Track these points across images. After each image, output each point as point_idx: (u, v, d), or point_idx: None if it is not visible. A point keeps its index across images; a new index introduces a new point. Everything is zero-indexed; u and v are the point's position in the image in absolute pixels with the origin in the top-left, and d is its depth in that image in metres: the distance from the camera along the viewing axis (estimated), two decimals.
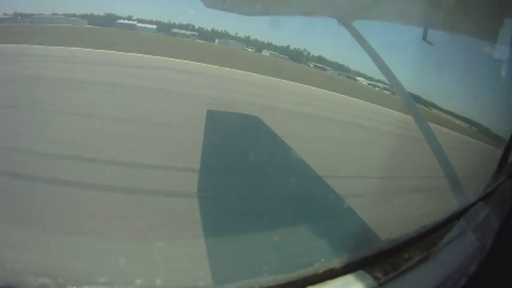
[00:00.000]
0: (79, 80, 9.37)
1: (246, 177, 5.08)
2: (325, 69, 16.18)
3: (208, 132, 6.36)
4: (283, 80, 15.09)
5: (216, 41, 16.39)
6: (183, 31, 15.69)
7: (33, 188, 4.04)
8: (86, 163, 4.88)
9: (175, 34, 15.66)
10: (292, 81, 15.12)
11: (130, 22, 14.45)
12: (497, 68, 3.32)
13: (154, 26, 15.42)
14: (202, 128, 6.65)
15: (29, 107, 6.73)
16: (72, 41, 12.55)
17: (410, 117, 3.87)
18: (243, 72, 15.09)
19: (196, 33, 15.76)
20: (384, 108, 13.74)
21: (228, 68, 14.91)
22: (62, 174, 4.44)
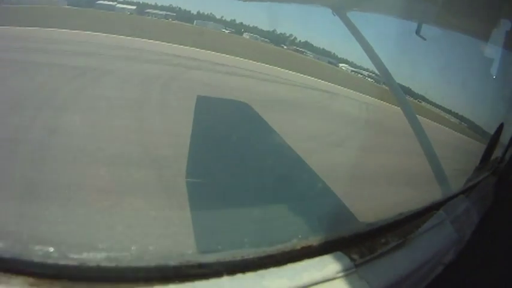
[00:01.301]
0: (61, 63, 8.99)
1: (229, 157, 5.11)
2: (303, 53, 15.71)
3: (195, 116, 6.34)
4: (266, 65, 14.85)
5: (195, 22, 15.80)
6: (163, 12, 15.12)
7: (35, 160, 4.09)
8: (78, 141, 4.88)
9: (155, 15, 15.08)
10: (276, 66, 14.88)
11: (111, 3, 13.82)
12: (487, 64, 3.35)
13: (134, 7, 14.85)
14: (184, 110, 6.62)
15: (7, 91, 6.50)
16: (52, 22, 11.96)
17: (398, 107, 3.88)
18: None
19: (174, 14, 15.12)
20: (369, 97, 13.76)
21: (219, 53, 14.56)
22: (61, 149, 4.49)
